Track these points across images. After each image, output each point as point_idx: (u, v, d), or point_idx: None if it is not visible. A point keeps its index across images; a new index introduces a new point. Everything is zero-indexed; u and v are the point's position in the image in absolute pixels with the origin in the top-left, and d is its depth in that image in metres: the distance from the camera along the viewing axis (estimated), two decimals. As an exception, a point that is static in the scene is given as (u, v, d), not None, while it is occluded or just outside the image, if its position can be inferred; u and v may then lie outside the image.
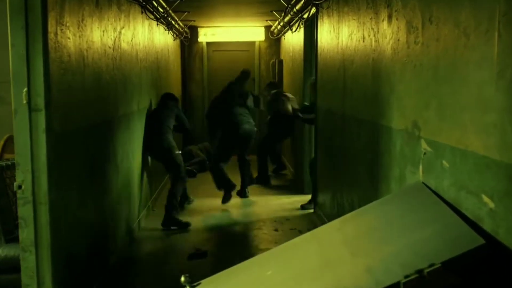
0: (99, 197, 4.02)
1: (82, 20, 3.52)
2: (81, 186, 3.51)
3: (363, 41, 3.88)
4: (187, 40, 10.17)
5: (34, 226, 2.88)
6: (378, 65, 3.50)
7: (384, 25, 3.34)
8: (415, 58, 2.78)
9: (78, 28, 3.44)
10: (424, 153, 2.66)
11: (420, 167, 2.72)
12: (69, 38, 3.23)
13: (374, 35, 3.58)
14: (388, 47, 3.25)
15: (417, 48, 2.75)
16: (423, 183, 2.67)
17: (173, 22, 7.72)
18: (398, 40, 3.04)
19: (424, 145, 2.67)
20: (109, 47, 4.26)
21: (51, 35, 2.91)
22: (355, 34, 4.14)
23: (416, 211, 2.33)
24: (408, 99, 2.90)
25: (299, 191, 7.38)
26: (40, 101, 2.82)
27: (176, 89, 9.52)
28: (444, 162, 2.42)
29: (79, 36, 3.45)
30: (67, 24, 3.20)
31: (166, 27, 7.63)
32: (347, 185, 4.52)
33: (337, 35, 4.85)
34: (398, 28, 3.06)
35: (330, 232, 2.57)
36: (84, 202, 3.58)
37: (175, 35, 8.89)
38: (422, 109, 2.69)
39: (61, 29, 3.10)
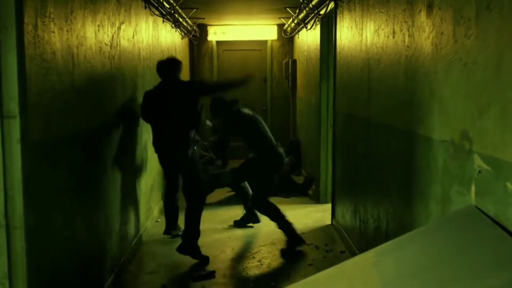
0: (92, 213, 3.56)
1: (71, 12, 3.06)
2: (68, 203, 3.05)
3: (393, 37, 3.39)
4: (196, 39, 9.71)
5: (8, 255, 2.41)
6: (413, 64, 3.00)
7: (422, 16, 2.84)
8: (465, 54, 2.29)
9: (66, 21, 2.98)
10: (479, 172, 2.16)
11: (472, 188, 2.22)
12: (53, 32, 2.77)
13: (408, 29, 3.08)
14: (427, 43, 2.76)
15: (468, 42, 2.26)
16: (476, 207, 2.18)
17: (180, 19, 7.26)
18: (442, 33, 2.55)
19: (478, 161, 2.17)
20: (105, 44, 3.80)
21: (28, 28, 2.45)
22: (383, 29, 3.65)
23: (477, 247, 1.83)
24: (455, 104, 2.40)
25: (314, 200, 6.89)
26: (14, 106, 2.36)
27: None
28: (508, 184, 1.93)
29: (67, 31, 2.99)
30: (51, 16, 2.74)
31: (173, 25, 7.18)
32: (372, 199, 4.02)
33: (360, 31, 4.36)
34: (441, 19, 2.56)
35: (363, 268, 2.08)
36: (72, 221, 3.12)
37: (183, 34, 8.43)
38: (475, 117, 2.20)
39: (43, 21, 2.64)
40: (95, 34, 3.54)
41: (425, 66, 2.80)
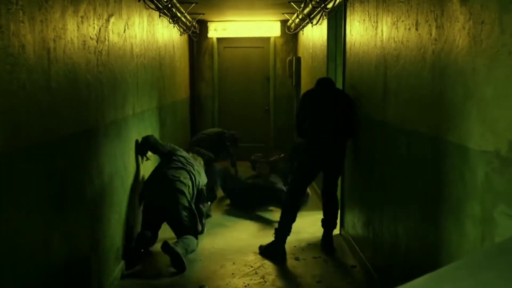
0: (76, 230, 3.15)
1: (46, 0, 2.65)
2: (43, 219, 2.64)
3: (417, 29, 2.97)
4: (196, 36, 9.30)
5: (-38, 288, 2.02)
6: (442, 60, 2.59)
7: (454, 4, 2.42)
8: (517, 47, 1.87)
9: (40, 9, 2.57)
10: (537, 192, 1.75)
11: (527, 210, 1.81)
12: (22, 22, 2.37)
13: (436, 20, 2.67)
14: (462, 34, 2.34)
15: (521, 32, 1.85)
16: (531, 235, 1.76)
17: (178, 14, 6.84)
18: (482, 22, 2.13)
19: (535, 178, 1.76)
20: (91, 38, 3.39)
21: (-13, 16, 2.05)
22: (403, 21, 3.23)
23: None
24: (502, 107, 1.99)
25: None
26: (-32, 110, 1.96)
27: (183, 89, 8.67)
28: None
29: (41, 21, 2.58)
30: (19, 3, 2.33)
31: (170, 20, 6.76)
32: (388, 212, 3.61)
33: (374, 24, 3.95)
34: (481, 5, 2.15)
35: (394, 312, 1.66)
36: (49, 242, 2.71)
37: (181, 30, 8.02)
38: (531, 124, 1.79)
39: (8, 9, 2.23)
40: (78, 27, 3.13)
41: (458, 62, 2.39)
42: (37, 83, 2.54)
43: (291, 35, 9.41)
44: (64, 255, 2.95)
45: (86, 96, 3.34)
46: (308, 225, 5.58)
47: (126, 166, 4.44)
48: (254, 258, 4.65)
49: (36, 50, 2.51)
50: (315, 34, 7.22)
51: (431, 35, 2.74)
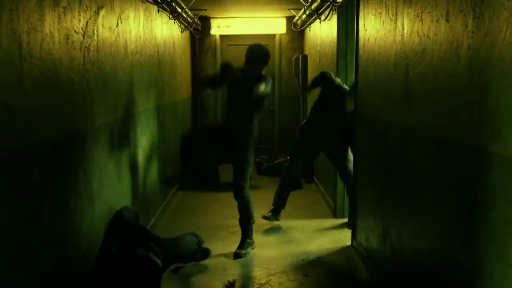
0: (57, 249, 2.77)
1: (18, -15, 2.27)
2: (12, 241, 2.26)
3: (447, 20, 2.57)
4: (198, 33, 8.92)
5: None
6: (481, 56, 2.19)
7: (499, -11, 2.03)
8: None
9: (9, -2, 2.20)
10: None
11: None
12: (-16, 10, 1.99)
13: (473, 8, 2.27)
14: (511, 25, 1.95)
15: None
16: None
17: (179, 10, 6.46)
18: (541, 9, 1.74)
19: None
20: (75, 31, 3.01)
21: None
22: (429, 12, 2.84)
23: None
24: None
25: (330, 214, 6.06)
26: None
27: (184, 88, 8.29)
28: None
29: (10, 10, 2.21)
30: (-20, -13, 1.96)
31: (170, 15, 6.38)
32: (409, 226, 3.21)
33: (393, 17, 3.55)
34: (539, -12, 1.76)
35: None
36: (22, 264, 2.33)
37: (182, 26, 7.64)
38: None
39: (-36, -7, 1.86)
40: (59, 18, 2.75)
41: (505, 58, 1.99)
42: (5, 82, 2.16)
43: (297, 32, 9.03)
44: (43, 277, 2.57)
45: (70, 97, 2.96)
46: (315, 234, 5.20)
47: (119, 174, 4.06)
48: (259, 274, 4.26)
49: (3, 43, 2.14)
50: (323, 30, 6.83)
51: (466, 26, 2.34)
